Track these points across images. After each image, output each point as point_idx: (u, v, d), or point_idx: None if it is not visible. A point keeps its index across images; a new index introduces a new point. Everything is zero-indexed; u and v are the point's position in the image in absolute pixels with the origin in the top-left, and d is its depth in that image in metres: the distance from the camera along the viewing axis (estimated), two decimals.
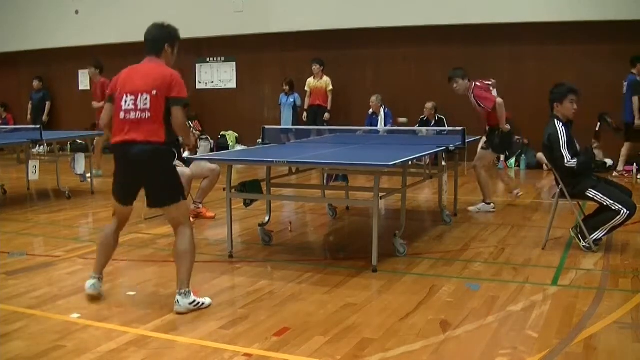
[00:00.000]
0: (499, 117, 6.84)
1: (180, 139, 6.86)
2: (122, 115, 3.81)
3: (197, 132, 7.06)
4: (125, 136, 3.79)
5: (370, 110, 11.49)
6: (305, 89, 12.07)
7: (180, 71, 4.02)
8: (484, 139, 7.38)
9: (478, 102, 6.86)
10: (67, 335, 3.48)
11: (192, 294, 3.87)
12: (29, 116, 14.53)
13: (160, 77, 3.79)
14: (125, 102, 3.79)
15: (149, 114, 3.75)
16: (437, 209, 6.69)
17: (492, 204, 7.09)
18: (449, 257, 5.15)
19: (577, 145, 5.33)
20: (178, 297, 3.83)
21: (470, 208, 7.11)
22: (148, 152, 3.77)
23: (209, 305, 3.92)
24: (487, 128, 7.13)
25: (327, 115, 11.81)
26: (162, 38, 3.98)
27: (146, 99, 3.75)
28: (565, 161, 5.10)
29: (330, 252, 5.71)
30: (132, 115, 3.77)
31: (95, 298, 4.08)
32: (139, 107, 3.76)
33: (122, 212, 4.11)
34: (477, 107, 6.95)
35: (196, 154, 12.00)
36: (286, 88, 12.39)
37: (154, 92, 3.75)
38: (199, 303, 3.88)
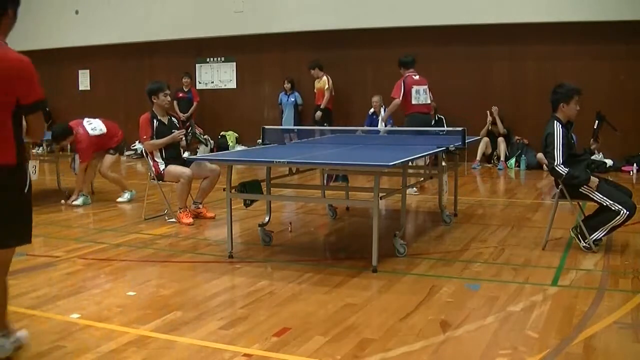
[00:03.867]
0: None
1: (181, 138, 6.93)
2: None
3: (197, 131, 7.05)
4: None
5: (371, 110, 11.48)
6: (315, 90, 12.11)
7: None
8: None
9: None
10: (67, 336, 3.48)
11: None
12: None
13: (4, 73, 2.62)
14: None
15: None
16: (437, 209, 6.69)
17: None
18: (449, 257, 5.15)
19: (576, 148, 5.31)
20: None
21: None
22: None
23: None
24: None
25: (318, 113, 11.73)
26: None
27: None
28: (555, 163, 5.06)
29: (330, 252, 5.71)
30: None
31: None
32: None
33: None
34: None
35: (196, 154, 12.04)
36: (287, 87, 12.40)
37: None
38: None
